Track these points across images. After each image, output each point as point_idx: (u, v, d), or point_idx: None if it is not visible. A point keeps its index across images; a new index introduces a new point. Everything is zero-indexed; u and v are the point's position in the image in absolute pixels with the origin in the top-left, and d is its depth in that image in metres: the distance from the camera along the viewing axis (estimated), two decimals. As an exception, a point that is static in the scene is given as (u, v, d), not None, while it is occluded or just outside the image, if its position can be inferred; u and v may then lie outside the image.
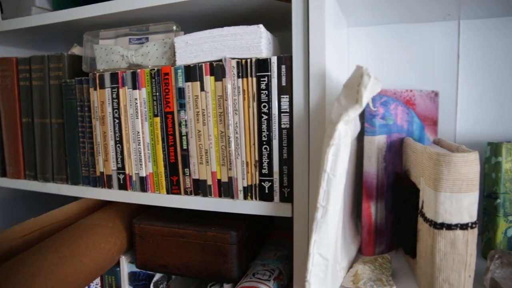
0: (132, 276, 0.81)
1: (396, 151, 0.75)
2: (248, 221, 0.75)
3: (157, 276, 0.80)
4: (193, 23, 0.83)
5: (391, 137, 0.74)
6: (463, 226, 0.55)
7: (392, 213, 0.75)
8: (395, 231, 0.75)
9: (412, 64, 0.88)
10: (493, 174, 0.72)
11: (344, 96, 0.51)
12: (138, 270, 0.79)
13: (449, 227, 0.55)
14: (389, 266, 0.67)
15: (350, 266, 0.68)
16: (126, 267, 0.80)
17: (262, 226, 0.85)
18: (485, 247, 0.75)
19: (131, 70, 0.72)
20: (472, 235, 0.55)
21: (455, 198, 0.54)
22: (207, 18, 0.80)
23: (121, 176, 0.75)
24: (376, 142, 0.72)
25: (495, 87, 0.85)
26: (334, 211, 0.51)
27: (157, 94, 0.70)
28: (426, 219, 0.59)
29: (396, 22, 0.88)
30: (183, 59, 0.68)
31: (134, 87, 0.72)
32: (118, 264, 0.80)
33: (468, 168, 0.54)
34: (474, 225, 0.55)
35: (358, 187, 0.79)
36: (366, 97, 0.49)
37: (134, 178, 0.74)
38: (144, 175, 0.73)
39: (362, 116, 0.74)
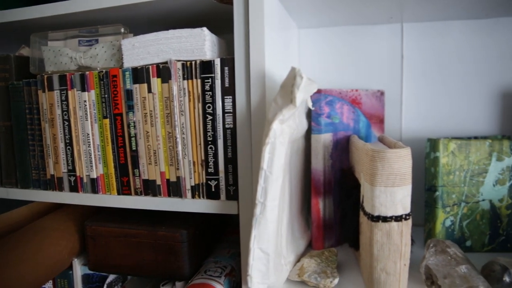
0: (86, 278, 0.81)
1: (342, 148, 0.78)
2: (199, 220, 0.76)
3: (111, 277, 0.80)
4: (145, 25, 0.84)
5: (337, 135, 0.77)
6: (398, 218, 0.58)
7: (339, 208, 0.78)
8: (342, 225, 0.78)
9: (359, 65, 0.92)
10: (432, 168, 0.76)
11: (280, 96, 0.53)
12: (91, 272, 0.79)
13: (385, 219, 0.58)
14: (335, 259, 0.70)
15: (298, 260, 0.70)
16: (79, 270, 0.80)
17: (215, 224, 0.86)
18: (427, 237, 0.79)
19: (80, 72, 0.73)
20: (406, 226, 0.59)
21: (389, 192, 0.57)
22: (158, 20, 0.81)
23: (72, 178, 0.75)
24: (322, 140, 0.75)
25: (435, 86, 0.89)
26: (272, 207, 0.53)
27: (106, 96, 0.71)
28: (365, 213, 0.61)
29: (344, 24, 0.91)
30: (130, 61, 0.69)
31: (83, 89, 0.72)
32: (71, 267, 0.80)
33: (400, 163, 0.57)
34: (407, 217, 0.58)
35: (308, 184, 0.81)
36: (300, 97, 0.51)
37: (85, 180, 0.74)
38: (95, 176, 0.74)
39: (309, 115, 0.76)
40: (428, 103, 0.90)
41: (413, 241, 0.72)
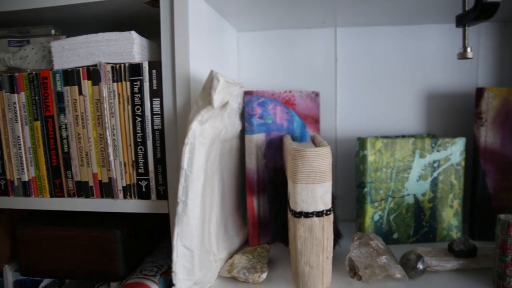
0: (18, 284, 0.79)
1: (276, 148, 0.81)
2: (136, 220, 0.77)
3: (45, 281, 0.80)
4: (81, 27, 0.83)
5: (270, 135, 0.80)
6: (319, 214, 0.61)
7: (272, 206, 0.81)
8: (274, 222, 0.81)
9: (296, 67, 0.95)
10: (361, 166, 0.80)
11: (201, 98, 0.55)
12: (24, 277, 0.78)
13: (307, 215, 0.61)
14: (267, 255, 0.72)
15: (231, 257, 0.72)
16: (10, 277, 0.79)
17: (156, 224, 0.87)
18: (359, 232, 0.83)
19: (9, 74, 0.72)
20: (327, 221, 0.62)
21: (310, 189, 0.60)
22: (94, 22, 0.81)
23: (2, 182, 0.74)
24: (255, 140, 0.78)
25: (367, 88, 0.94)
26: (193, 205, 0.55)
27: (37, 98, 0.70)
28: (290, 209, 0.64)
29: (281, 28, 0.94)
30: (60, 63, 0.69)
31: (13, 91, 0.71)
32: (1, 274, 0.78)
33: (320, 161, 0.60)
34: (328, 212, 0.62)
35: (244, 183, 0.83)
36: (217, 99, 0.54)
37: (16, 183, 0.74)
38: (26, 179, 0.73)
39: (243, 116, 0.78)
40: (361, 104, 0.94)
41: (341, 235, 0.76)
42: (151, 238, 0.84)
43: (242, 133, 0.79)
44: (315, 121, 0.89)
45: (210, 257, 0.64)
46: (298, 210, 0.61)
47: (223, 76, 0.55)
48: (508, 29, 0.91)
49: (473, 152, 0.84)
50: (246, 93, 0.77)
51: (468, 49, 0.58)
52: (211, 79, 0.53)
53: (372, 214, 0.80)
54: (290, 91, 0.83)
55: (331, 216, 0.62)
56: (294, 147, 0.61)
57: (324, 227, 0.61)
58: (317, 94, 0.89)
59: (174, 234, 0.54)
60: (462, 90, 0.92)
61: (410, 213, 0.82)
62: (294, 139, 0.84)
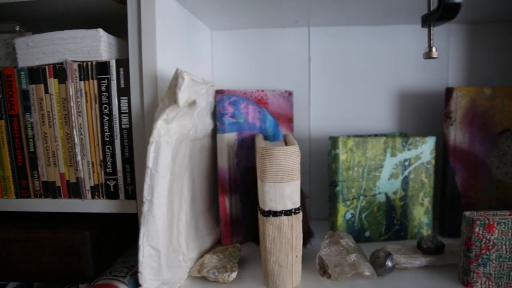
0: (-17, 288, 0.78)
1: (248, 147, 0.81)
2: (105, 220, 0.75)
3: (11, 285, 0.78)
4: (46, 24, 0.81)
5: (242, 134, 0.80)
6: (287, 212, 0.61)
7: (245, 205, 0.81)
8: (246, 221, 0.81)
9: (270, 66, 0.95)
10: (333, 164, 0.81)
11: (167, 97, 0.55)
12: (-11, 281, 0.77)
13: (275, 214, 0.61)
14: (238, 254, 0.72)
15: (202, 257, 0.72)
16: (-27, 281, 0.77)
17: (128, 225, 0.86)
18: (331, 230, 0.84)
19: (-28, 72, 0.70)
20: (296, 220, 0.62)
21: (278, 188, 0.60)
22: (59, 19, 0.79)
23: (-34, 183, 0.72)
24: (226, 139, 0.77)
25: (341, 87, 0.94)
26: (159, 204, 0.54)
27: (1, 96, 0.69)
28: (259, 208, 0.64)
29: (255, 27, 0.94)
30: (25, 61, 0.67)
31: (-25, 89, 0.70)
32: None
33: (287, 160, 0.60)
34: (297, 211, 0.62)
35: (216, 182, 0.83)
36: (183, 97, 0.53)
37: (-20, 184, 0.72)
38: (-9, 180, 0.71)
39: (215, 115, 0.78)
40: (335, 103, 0.95)
41: (312, 234, 0.76)
42: (123, 238, 0.83)
43: (214, 132, 0.79)
44: (289, 120, 0.89)
45: (179, 256, 0.63)
46: (267, 209, 0.61)
47: (190, 74, 0.54)
48: (476, 30, 0.92)
49: (443, 151, 0.85)
50: (218, 92, 0.77)
51: (433, 49, 0.58)
52: (176, 77, 0.52)
53: (344, 212, 0.81)
54: (262, 90, 0.83)
55: (300, 215, 0.63)
56: (262, 146, 0.61)
57: (293, 226, 0.62)
58: (290, 93, 0.89)
59: (140, 234, 0.54)
60: (433, 90, 0.93)
61: (382, 212, 0.83)
62: (266, 138, 0.84)
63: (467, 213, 0.64)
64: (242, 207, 0.80)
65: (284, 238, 0.61)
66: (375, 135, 0.88)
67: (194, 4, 0.74)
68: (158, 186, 0.53)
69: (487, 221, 0.62)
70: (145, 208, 0.53)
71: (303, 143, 0.95)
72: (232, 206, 0.80)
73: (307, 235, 0.75)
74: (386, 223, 0.83)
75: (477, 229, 0.62)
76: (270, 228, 0.61)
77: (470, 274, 0.63)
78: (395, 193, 0.82)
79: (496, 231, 0.62)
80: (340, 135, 0.91)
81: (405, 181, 0.82)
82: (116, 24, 0.74)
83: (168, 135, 0.54)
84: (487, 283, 0.63)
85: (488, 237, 0.62)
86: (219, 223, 0.81)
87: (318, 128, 0.95)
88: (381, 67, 0.94)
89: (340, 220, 0.81)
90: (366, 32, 0.93)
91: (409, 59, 0.93)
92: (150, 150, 0.52)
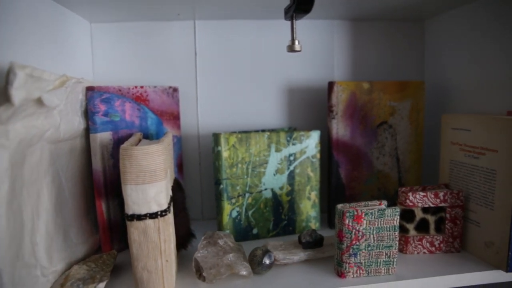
0: None
1: (126, 147, 0.76)
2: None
3: None
4: None
5: (118, 134, 0.75)
6: (153, 215, 0.57)
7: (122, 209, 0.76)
8: (121, 226, 0.76)
9: (155, 61, 0.91)
10: (216, 162, 0.79)
11: (2, 95, 0.49)
12: None
13: (139, 217, 0.57)
14: (112, 262, 0.68)
15: (70, 268, 0.66)
16: None
17: None
18: (219, 230, 0.82)
19: None
20: (163, 223, 0.59)
21: (140, 190, 0.56)
22: None
23: None
24: (99, 139, 0.72)
25: (229, 83, 0.93)
26: (-6, 215, 0.48)
27: None
28: (124, 213, 0.60)
29: (137, 20, 0.89)
30: None
31: None
32: None
33: (149, 160, 0.56)
34: (164, 213, 0.58)
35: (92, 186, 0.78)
36: (18, 95, 0.48)
37: None
38: None
39: (86, 113, 0.73)
40: (223, 98, 0.93)
41: (193, 235, 0.74)
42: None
43: (88, 132, 0.73)
44: (174, 117, 0.86)
45: (35, 271, 0.58)
46: (130, 212, 0.57)
47: (29, 68, 0.49)
48: (359, 27, 0.95)
49: (327, 145, 0.86)
50: (88, 89, 0.71)
51: (296, 42, 0.58)
52: (8, 72, 0.47)
53: (229, 210, 0.79)
54: (142, 87, 0.79)
55: (168, 217, 0.59)
56: (122, 146, 0.57)
57: (160, 229, 0.58)
58: (175, 89, 0.86)
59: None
60: (320, 84, 0.95)
61: (269, 208, 0.82)
62: (148, 136, 0.80)
63: (339, 206, 0.65)
64: (122, 211, 0.76)
65: (151, 243, 0.58)
66: (263, 131, 0.87)
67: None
68: (-7, 195, 0.47)
69: (355, 213, 0.63)
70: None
71: (192, 141, 0.92)
72: (110, 210, 0.75)
73: (188, 237, 0.72)
74: (274, 219, 0.83)
75: (347, 221, 0.63)
76: (135, 233, 0.57)
77: (343, 265, 0.64)
78: (281, 188, 0.82)
79: (364, 222, 0.63)
80: (228, 131, 0.90)
81: (291, 176, 0.82)
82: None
83: (4, 137, 0.48)
84: (358, 271, 0.64)
85: (357, 228, 0.63)
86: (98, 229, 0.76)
87: (206, 124, 0.92)
88: (269, 62, 0.93)
89: (226, 218, 0.79)
90: (253, 25, 0.91)
91: (298, 54, 0.93)
92: (-22, 155, 0.46)
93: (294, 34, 0.58)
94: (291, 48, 0.58)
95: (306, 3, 0.51)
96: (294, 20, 0.57)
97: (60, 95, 0.59)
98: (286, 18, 0.59)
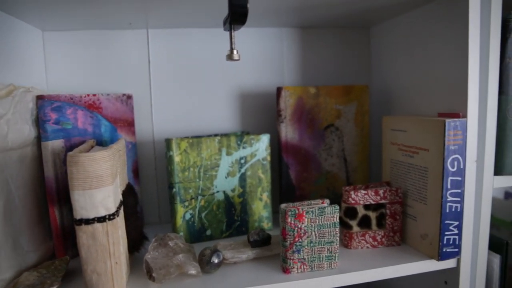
0: None
1: (79, 154, 0.78)
2: None
3: None
4: None
5: (71, 141, 0.76)
6: (101, 219, 0.60)
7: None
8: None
9: (108, 69, 0.92)
10: (169, 166, 0.81)
11: None
12: None
13: (87, 221, 0.59)
14: (64, 267, 0.69)
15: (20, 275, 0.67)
16: None
17: None
18: (173, 232, 0.84)
19: None
20: (112, 226, 0.61)
21: (87, 195, 0.58)
22: None
23: None
24: (51, 147, 0.73)
25: (183, 89, 0.95)
26: None
27: None
28: (72, 218, 0.62)
29: (91, 28, 0.90)
30: None
31: None
32: None
33: (95, 165, 0.58)
34: (112, 217, 0.61)
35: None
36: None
37: None
38: None
39: (38, 121, 0.74)
40: (177, 104, 0.95)
41: (146, 238, 0.76)
42: None
43: (39, 140, 0.75)
44: (129, 124, 0.88)
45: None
46: (78, 217, 0.59)
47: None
48: (307, 34, 0.99)
49: (277, 147, 0.90)
50: (38, 98, 0.73)
51: (235, 52, 0.61)
52: None
53: (183, 213, 0.82)
54: (94, 95, 0.81)
55: (116, 221, 0.62)
56: (69, 153, 0.59)
57: (109, 233, 0.60)
58: (129, 97, 0.88)
59: None
60: (271, 89, 0.99)
61: (221, 209, 0.85)
62: (102, 143, 0.82)
63: (282, 206, 0.69)
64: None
65: (100, 246, 0.60)
66: (216, 135, 0.90)
67: (10, 5, 0.69)
68: None
69: (297, 211, 0.67)
70: None
71: (147, 146, 0.94)
72: (64, 217, 0.76)
73: (140, 240, 0.74)
74: (227, 220, 0.86)
75: (289, 220, 0.67)
76: (83, 237, 0.59)
77: (287, 262, 0.68)
78: (233, 190, 0.85)
79: (306, 220, 0.67)
80: (183, 136, 0.92)
81: (243, 178, 0.86)
82: None
83: None
84: (302, 267, 0.68)
85: (299, 225, 0.67)
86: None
87: (161, 130, 0.95)
88: (221, 68, 0.96)
89: (179, 221, 0.82)
90: (205, 34, 0.95)
91: (249, 59, 0.97)
92: None
93: (233, 44, 0.61)
94: (229, 57, 0.61)
95: (240, 15, 0.54)
96: (232, 31, 0.61)
97: (5, 104, 0.61)
98: (225, 29, 0.62)
